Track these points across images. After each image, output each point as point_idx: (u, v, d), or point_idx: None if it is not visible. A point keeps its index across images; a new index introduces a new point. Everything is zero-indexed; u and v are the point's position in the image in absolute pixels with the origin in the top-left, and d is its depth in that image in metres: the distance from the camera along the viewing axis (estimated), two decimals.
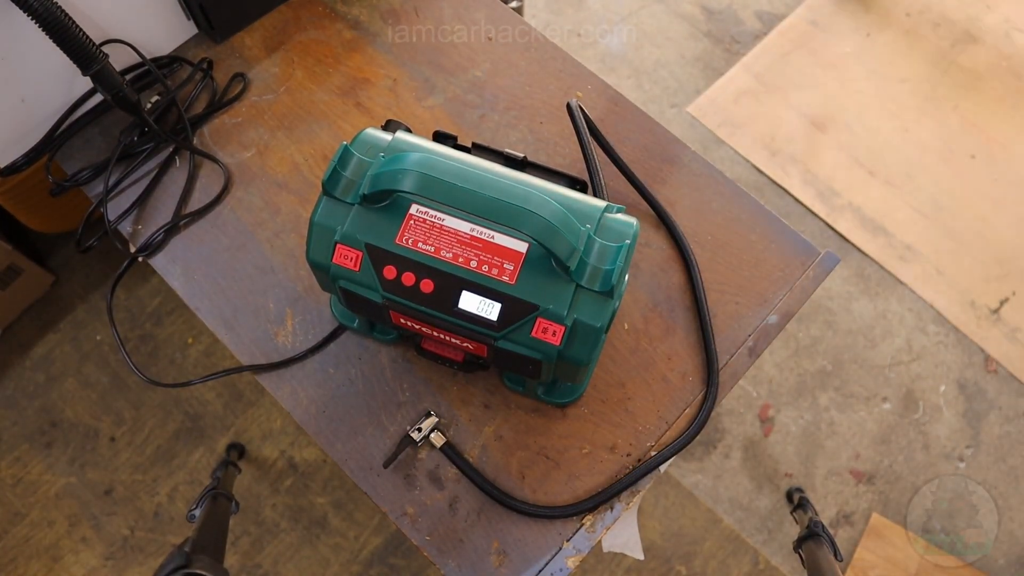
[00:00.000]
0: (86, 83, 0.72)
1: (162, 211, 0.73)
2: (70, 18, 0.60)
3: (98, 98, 0.75)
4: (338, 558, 1.29)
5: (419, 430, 0.62)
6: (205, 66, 0.78)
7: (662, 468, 0.63)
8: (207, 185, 0.74)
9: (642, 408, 0.65)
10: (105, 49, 0.72)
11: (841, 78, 1.79)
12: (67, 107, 0.73)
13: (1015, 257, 1.61)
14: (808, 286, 0.71)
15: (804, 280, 0.71)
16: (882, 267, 1.59)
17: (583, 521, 0.61)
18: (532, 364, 0.51)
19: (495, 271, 0.49)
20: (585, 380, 0.64)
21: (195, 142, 0.76)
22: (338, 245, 0.50)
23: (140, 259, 0.71)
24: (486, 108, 0.79)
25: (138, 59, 0.74)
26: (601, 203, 0.52)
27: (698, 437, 0.64)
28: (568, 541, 0.60)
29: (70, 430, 1.36)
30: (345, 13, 0.84)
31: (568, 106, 0.67)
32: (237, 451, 1.32)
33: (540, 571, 0.59)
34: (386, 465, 0.62)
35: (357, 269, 0.50)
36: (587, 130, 0.67)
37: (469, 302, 0.49)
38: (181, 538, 1.02)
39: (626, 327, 0.68)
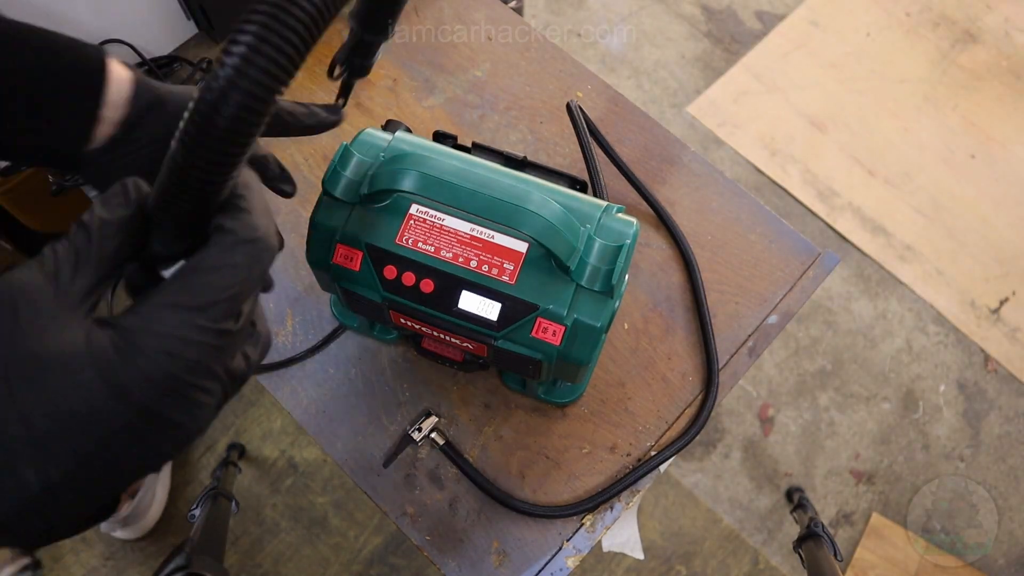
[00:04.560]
0: None
1: None
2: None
3: None
4: (338, 558, 1.29)
5: (419, 430, 0.62)
6: (205, 66, 0.78)
7: (662, 468, 0.63)
8: None
9: (642, 408, 0.65)
10: (105, 49, 0.72)
11: (841, 78, 1.79)
12: None
13: (1015, 257, 1.61)
14: (808, 286, 0.71)
15: (804, 280, 0.71)
16: (882, 267, 1.59)
17: (583, 521, 0.61)
18: (532, 364, 0.51)
19: (495, 271, 0.49)
20: (585, 380, 0.64)
21: None
22: (338, 245, 0.50)
23: None
24: (486, 108, 0.79)
25: (138, 59, 0.74)
26: (601, 203, 0.52)
27: (698, 437, 0.64)
28: (568, 541, 0.60)
29: None
30: (345, 13, 0.84)
31: (568, 106, 0.67)
32: (237, 451, 1.32)
33: (540, 571, 0.59)
34: (386, 464, 0.62)
35: (357, 269, 0.50)
36: (587, 130, 0.67)
37: (469, 302, 0.49)
38: (181, 538, 1.02)
39: (626, 327, 0.68)
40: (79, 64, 0.36)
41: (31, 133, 0.36)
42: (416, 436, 0.62)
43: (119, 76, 0.38)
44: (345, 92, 0.50)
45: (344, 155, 0.51)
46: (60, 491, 0.23)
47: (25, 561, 0.23)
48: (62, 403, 0.22)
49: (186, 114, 0.23)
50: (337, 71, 0.49)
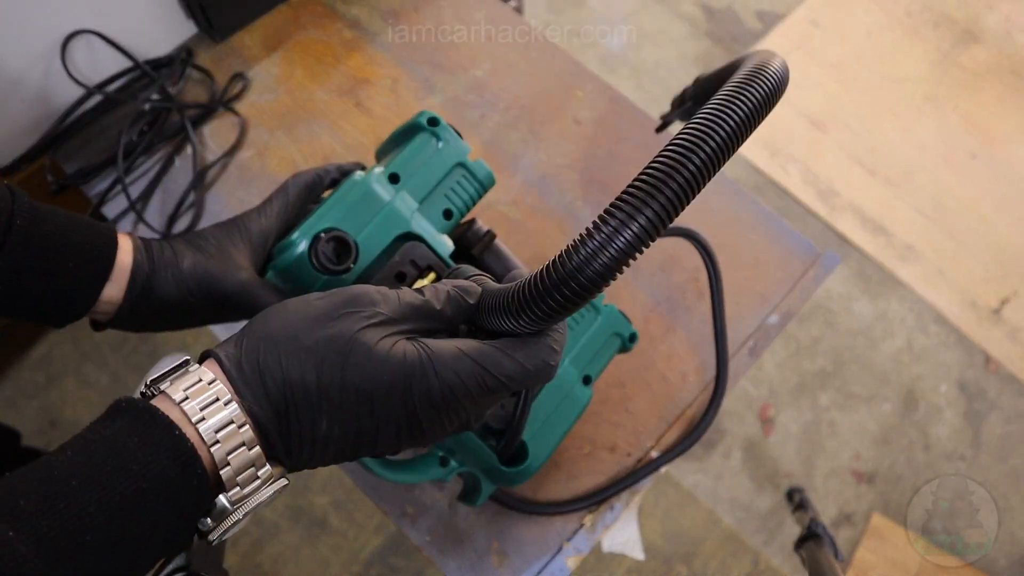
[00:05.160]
0: (87, 83, 0.72)
1: (162, 211, 0.73)
2: None
3: (98, 98, 0.75)
4: (338, 558, 1.29)
5: None
6: (184, 57, 0.78)
7: (662, 468, 0.63)
8: (207, 185, 0.74)
9: (642, 408, 0.65)
10: (105, 49, 0.72)
11: (841, 78, 1.79)
12: (67, 107, 0.73)
13: (1016, 257, 1.61)
14: (809, 286, 0.70)
15: (805, 280, 0.71)
16: (882, 267, 1.59)
17: (583, 521, 0.61)
18: None
19: None
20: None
21: (195, 142, 0.75)
22: None
23: None
24: (486, 108, 0.78)
25: (138, 59, 0.74)
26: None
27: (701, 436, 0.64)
28: (568, 541, 0.60)
29: (70, 430, 1.36)
30: (345, 13, 0.84)
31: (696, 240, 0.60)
32: None
33: (540, 571, 0.59)
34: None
35: None
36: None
37: None
38: None
39: None
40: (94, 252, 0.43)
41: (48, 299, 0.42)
42: None
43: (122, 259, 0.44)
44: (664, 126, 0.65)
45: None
46: (331, 443, 0.31)
47: (285, 482, 0.31)
48: (367, 387, 0.30)
49: (554, 263, 0.28)
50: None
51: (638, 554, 0.69)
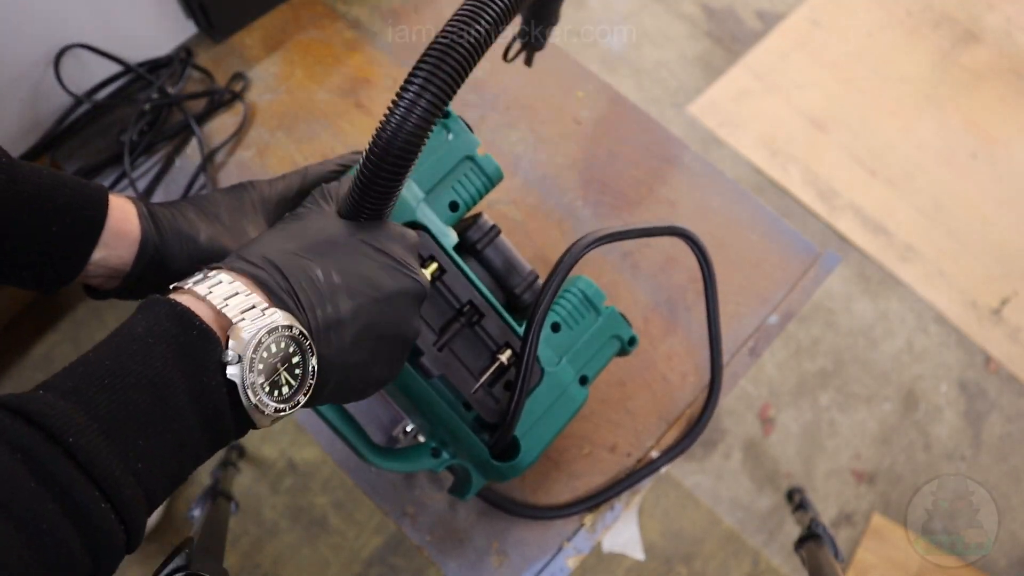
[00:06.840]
0: (86, 83, 0.72)
1: None
2: None
3: (98, 99, 0.75)
4: (338, 558, 1.29)
5: (405, 432, 0.61)
6: (183, 56, 0.78)
7: (663, 469, 0.63)
8: (207, 184, 0.74)
9: (642, 408, 0.65)
10: (102, 54, 0.72)
11: (842, 78, 1.79)
12: (67, 107, 0.73)
13: (1016, 257, 1.61)
14: (809, 286, 0.70)
15: (805, 280, 0.71)
16: (883, 267, 1.59)
17: (583, 521, 0.61)
18: None
19: None
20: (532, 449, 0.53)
21: (195, 141, 0.75)
22: None
23: None
24: (486, 108, 0.78)
25: (138, 59, 0.74)
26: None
27: (699, 437, 0.64)
28: (568, 541, 0.60)
29: None
30: (345, 13, 0.84)
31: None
32: (237, 451, 1.32)
33: (540, 571, 0.59)
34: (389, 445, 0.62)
35: None
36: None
37: None
38: (181, 538, 1.02)
39: None
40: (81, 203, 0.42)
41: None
42: (402, 437, 0.61)
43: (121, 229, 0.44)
44: (529, 61, 0.67)
45: None
46: (339, 293, 0.35)
47: (299, 327, 0.33)
48: (327, 234, 0.38)
49: (373, 141, 0.36)
50: (513, 52, 0.64)
51: (638, 554, 0.69)
